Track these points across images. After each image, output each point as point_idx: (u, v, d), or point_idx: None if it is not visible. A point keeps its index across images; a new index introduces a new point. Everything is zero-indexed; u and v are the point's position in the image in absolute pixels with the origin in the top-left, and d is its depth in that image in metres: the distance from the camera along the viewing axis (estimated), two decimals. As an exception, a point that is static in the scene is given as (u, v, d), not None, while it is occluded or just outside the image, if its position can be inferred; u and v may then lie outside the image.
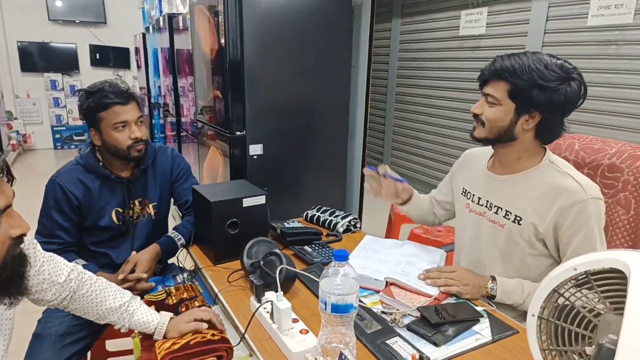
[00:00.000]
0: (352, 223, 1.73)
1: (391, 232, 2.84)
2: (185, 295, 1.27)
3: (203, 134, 2.72)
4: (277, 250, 1.28)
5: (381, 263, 1.32)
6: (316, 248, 1.53)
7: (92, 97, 1.38)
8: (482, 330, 1.05)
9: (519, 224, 1.17)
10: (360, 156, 2.56)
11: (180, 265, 1.60)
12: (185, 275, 1.48)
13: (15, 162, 5.69)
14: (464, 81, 4.17)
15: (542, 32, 3.43)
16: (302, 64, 2.24)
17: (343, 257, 0.89)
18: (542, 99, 1.07)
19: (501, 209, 1.21)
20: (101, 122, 1.41)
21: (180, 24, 3.17)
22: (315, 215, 1.81)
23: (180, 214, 1.71)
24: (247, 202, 1.46)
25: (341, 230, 1.70)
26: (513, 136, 1.15)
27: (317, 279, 0.94)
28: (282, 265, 1.16)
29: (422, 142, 4.83)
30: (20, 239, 0.79)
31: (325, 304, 0.87)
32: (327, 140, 2.43)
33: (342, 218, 1.74)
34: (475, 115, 1.19)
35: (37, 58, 6.28)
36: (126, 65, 6.88)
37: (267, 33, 2.12)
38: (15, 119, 6.21)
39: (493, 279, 1.18)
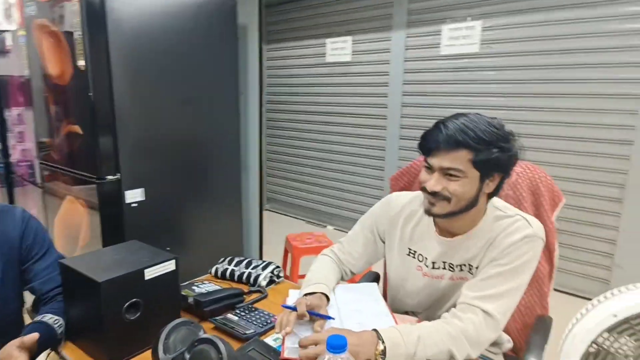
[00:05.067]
0: (275, 273, 1.48)
1: (291, 265, 2.65)
2: None
3: (51, 181, 2.12)
4: (206, 335, 0.97)
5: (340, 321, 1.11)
6: (243, 314, 1.24)
7: None
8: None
9: (472, 273, 1.13)
10: (256, 192, 2.32)
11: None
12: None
13: None
14: (337, 106, 4.27)
15: (403, 60, 3.72)
16: (185, 91, 1.92)
17: (341, 347, 0.67)
18: (504, 159, 1.02)
19: (464, 265, 1.14)
20: None
21: (8, 43, 2.49)
22: (227, 269, 1.51)
23: (41, 303, 1.22)
24: (150, 273, 1.10)
25: (264, 283, 1.44)
26: (475, 203, 1.08)
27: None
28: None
29: (297, 167, 4.79)
30: None
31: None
32: (218, 175, 2.13)
33: (263, 269, 1.48)
34: (434, 192, 1.05)
35: None
36: None
37: (141, 54, 1.75)
38: None
39: (378, 335, 0.96)
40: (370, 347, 0.93)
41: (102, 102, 1.67)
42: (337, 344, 0.70)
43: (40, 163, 2.15)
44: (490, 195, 1.11)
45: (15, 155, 2.77)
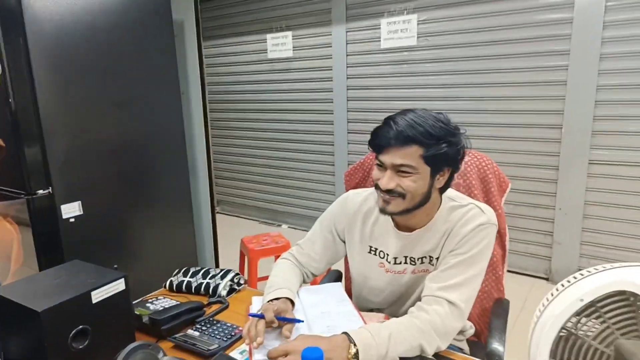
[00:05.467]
0: (235, 280, 1.42)
1: (249, 269, 2.58)
2: None
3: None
4: (167, 357, 0.90)
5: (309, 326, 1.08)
6: (204, 328, 1.17)
7: None
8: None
9: (433, 264, 1.14)
10: (207, 193, 2.22)
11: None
12: None
13: None
14: (282, 102, 4.21)
15: (345, 54, 3.73)
16: (120, 92, 1.78)
17: (317, 359, 0.63)
18: (453, 153, 1.04)
19: (425, 257, 1.15)
20: None
21: None
22: (183, 281, 1.42)
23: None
24: (98, 295, 1.00)
25: (224, 293, 1.37)
26: (428, 198, 1.09)
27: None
28: None
29: (246, 167, 4.68)
30: None
31: None
32: (166, 181, 2.01)
33: (221, 277, 1.41)
34: (388, 190, 1.05)
35: None
36: None
37: (67, 55, 1.59)
38: None
39: (349, 338, 0.93)
40: (342, 352, 0.91)
41: (24, 110, 1.50)
42: (313, 356, 0.66)
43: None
44: (442, 190, 1.13)
45: None
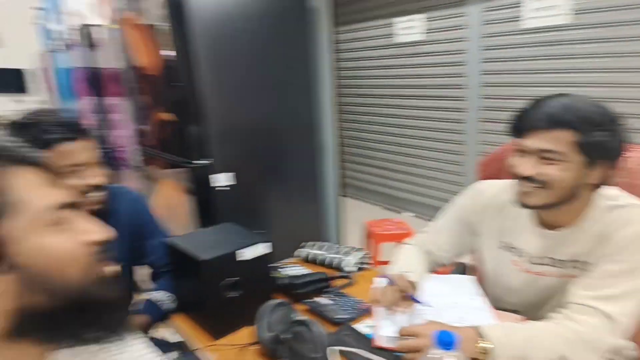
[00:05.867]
0: (363, 259, 1.48)
1: (371, 253, 2.64)
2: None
3: (148, 165, 2.29)
4: (302, 317, 0.99)
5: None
6: (333, 299, 1.25)
7: (27, 130, 0.98)
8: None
9: (585, 269, 1.00)
10: (334, 175, 2.32)
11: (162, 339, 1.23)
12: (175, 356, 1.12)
13: None
14: (411, 88, 4.14)
15: (479, 36, 3.49)
16: (263, 76, 1.95)
17: (451, 343, 0.64)
18: (613, 145, 0.91)
19: (575, 261, 1.02)
20: None
21: (103, 37, 2.70)
22: (313, 253, 1.53)
23: (155, 276, 1.33)
24: (247, 254, 1.14)
25: (351, 269, 1.44)
26: (576, 195, 0.96)
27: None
28: (335, 347, 0.87)
29: (372, 152, 4.73)
30: (101, 250, 0.55)
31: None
32: (298, 160, 2.16)
33: (350, 254, 1.48)
34: (527, 178, 0.95)
35: None
36: (20, 89, 5.94)
37: (223, 43, 1.80)
38: None
39: (480, 332, 0.90)
40: (470, 345, 0.87)
41: (190, 91, 1.75)
42: (448, 340, 0.67)
43: (138, 148, 2.32)
44: (595, 187, 0.98)
45: (113, 142, 3.02)
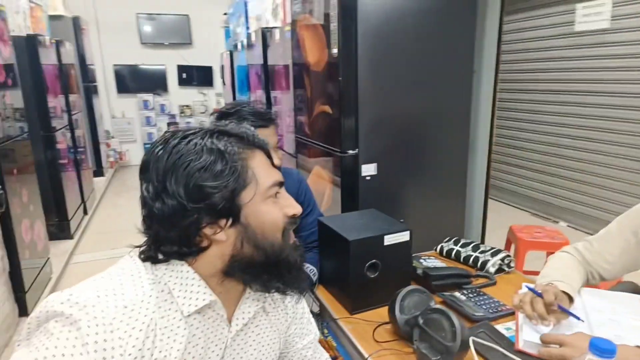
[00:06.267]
0: (506, 262, 1.41)
1: (515, 258, 2.46)
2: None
3: (303, 152, 2.54)
4: (438, 306, 1.01)
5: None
6: (469, 295, 1.24)
7: (229, 118, 1.23)
8: None
9: None
10: (483, 174, 2.22)
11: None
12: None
13: (113, 179, 6.01)
14: (582, 83, 3.64)
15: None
16: (418, 71, 1.97)
17: (610, 352, 0.60)
18: None
19: None
20: None
21: (277, 37, 3.05)
22: (453, 249, 1.52)
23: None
24: (388, 240, 1.21)
25: (493, 270, 1.39)
26: None
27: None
28: (477, 339, 0.89)
29: (526, 153, 4.33)
30: (294, 221, 0.71)
31: None
32: (445, 156, 2.13)
33: (492, 255, 1.43)
34: None
35: (130, 80, 6.64)
36: (209, 83, 7.07)
37: (383, 39, 1.88)
38: (113, 137, 6.60)
39: None
40: None
41: (348, 86, 1.88)
42: (606, 348, 0.62)
43: (296, 137, 2.59)
44: None
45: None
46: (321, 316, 1.32)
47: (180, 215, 0.61)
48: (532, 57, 4.13)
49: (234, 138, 0.66)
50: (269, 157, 0.71)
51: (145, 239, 0.66)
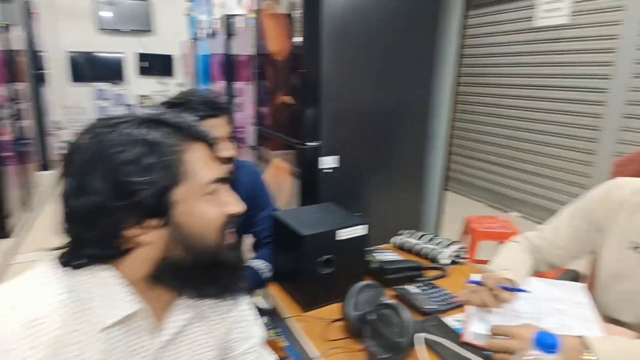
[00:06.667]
0: (459, 253, 1.43)
1: (469, 249, 2.52)
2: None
3: (262, 144, 2.49)
4: (389, 301, 1.01)
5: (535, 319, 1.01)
6: (423, 288, 1.24)
7: (177, 108, 1.16)
8: None
9: None
10: (440, 166, 2.24)
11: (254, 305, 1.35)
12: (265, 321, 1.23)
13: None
14: (539, 77, 3.75)
15: None
16: (382, 63, 1.96)
17: (552, 346, 0.60)
18: None
19: None
20: None
21: (242, 25, 2.97)
22: (408, 242, 1.53)
23: (258, 246, 1.47)
24: (343, 234, 1.19)
25: (447, 261, 1.41)
26: None
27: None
28: (422, 335, 0.89)
29: (482, 145, 4.44)
30: (234, 220, 0.65)
31: None
32: (405, 149, 2.14)
33: (446, 247, 1.44)
34: None
35: (85, 68, 6.33)
36: (170, 73, 6.84)
37: (348, 31, 1.84)
38: (63, 128, 6.25)
39: (586, 343, 0.82)
40: (573, 355, 0.81)
41: (311, 77, 1.84)
42: (550, 342, 0.62)
43: (256, 129, 2.54)
44: None
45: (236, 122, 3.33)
46: (275, 314, 1.30)
47: (101, 213, 0.55)
48: (493, 51, 4.21)
49: (170, 128, 0.60)
50: (214, 149, 0.65)
51: (66, 241, 0.60)
